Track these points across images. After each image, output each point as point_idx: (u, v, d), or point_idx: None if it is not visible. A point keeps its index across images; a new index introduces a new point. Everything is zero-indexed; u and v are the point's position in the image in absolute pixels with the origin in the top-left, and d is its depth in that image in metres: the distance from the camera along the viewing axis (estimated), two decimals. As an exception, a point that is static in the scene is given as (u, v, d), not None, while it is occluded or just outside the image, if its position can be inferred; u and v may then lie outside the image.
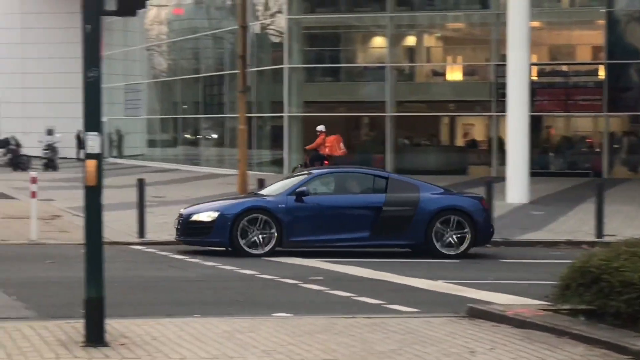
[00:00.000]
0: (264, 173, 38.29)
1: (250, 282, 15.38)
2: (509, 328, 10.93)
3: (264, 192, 19.80)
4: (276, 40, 45.48)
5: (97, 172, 9.89)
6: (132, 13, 10.12)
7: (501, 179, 30.57)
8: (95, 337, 9.82)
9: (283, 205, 18.55)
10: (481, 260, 18.63)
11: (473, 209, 18.96)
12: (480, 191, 21.87)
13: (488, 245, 19.73)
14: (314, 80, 45.53)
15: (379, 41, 45.79)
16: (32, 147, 55.95)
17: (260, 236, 18.31)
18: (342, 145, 34.08)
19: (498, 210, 22.87)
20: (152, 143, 57.56)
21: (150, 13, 53.12)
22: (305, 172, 20.94)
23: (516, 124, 29.91)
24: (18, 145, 50.44)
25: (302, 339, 10.33)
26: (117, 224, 21.99)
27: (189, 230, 18.86)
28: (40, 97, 65.76)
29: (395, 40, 44.43)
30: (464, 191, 22.23)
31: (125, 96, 58.33)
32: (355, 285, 14.86)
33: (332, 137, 33.42)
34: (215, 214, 18.53)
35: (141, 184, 21.12)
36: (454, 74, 46.36)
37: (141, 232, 20.71)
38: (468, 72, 45.78)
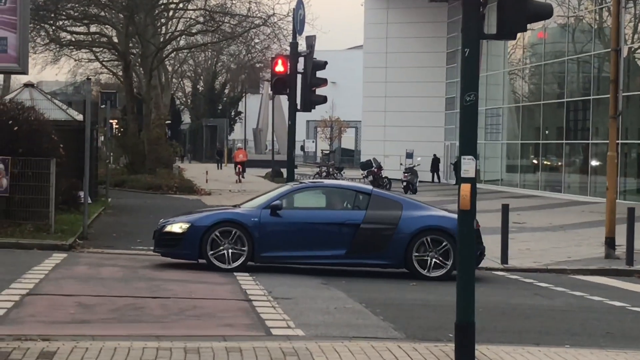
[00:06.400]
0: (629, 202, 36.99)
1: (621, 314, 14.76)
2: None
3: (244, 204, 18.88)
4: (645, 64, 43.93)
5: (472, 196, 9.82)
6: (512, 37, 9.98)
7: None
8: (465, 362, 9.74)
9: (256, 219, 17.68)
10: None
11: (455, 230, 17.58)
12: None
13: None
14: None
15: None
16: (392, 169, 57.37)
17: (230, 250, 17.54)
18: None
19: None
20: (511, 168, 57.23)
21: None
22: (288, 185, 20.00)
23: None
24: (379, 167, 51.70)
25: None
26: (479, 249, 21.91)
27: (161, 241, 18.14)
28: (400, 121, 67.24)
29: None
30: (453, 212, 19.98)
31: (486, 120, 58.45)
32: None
33: None
34: (186, 225, 17.78)
35: (505, 210, 20.94)
36: None
37: (504, 258, 20.52)
38: None
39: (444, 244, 17.54)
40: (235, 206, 19.25)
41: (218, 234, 17.56)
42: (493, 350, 10.71)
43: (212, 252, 17.51)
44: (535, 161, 53.45)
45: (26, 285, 14.59)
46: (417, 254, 17.61)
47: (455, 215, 18.16)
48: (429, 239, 17.60)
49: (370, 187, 19.64)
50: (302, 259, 17.90)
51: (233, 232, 17.57)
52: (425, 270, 17.60)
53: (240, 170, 56.59)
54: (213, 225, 17.61)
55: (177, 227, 17.87)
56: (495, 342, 11.51)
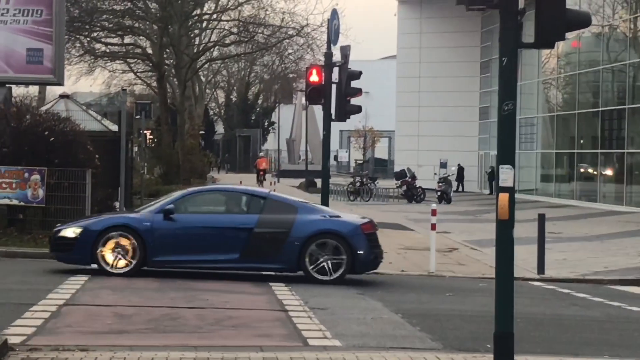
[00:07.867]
0: (666, 211, 36.69)
1: (660, 325, 14.63)
2: None
3: (142, 209, 18.74)
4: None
5: (510, 206, 9.74)
6: (550, 45, 9.92)
7: None
8: (504, 373, 9.66)
9: (148, 224, 17.51)
10: None
11: (349, 234, 17.44)
12: None
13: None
14: None
15: None
16: (426, 179, 57.22)
17: (122, 255, 17.37)
18: None
19: None
20: (545, 178, 56.91)
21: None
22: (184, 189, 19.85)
23: None
24: (413, 177, 51.60)
25: None
26: (515, 259, 21.74)
27: (56, 245, 17.98)
28: (434, 130, 67.11)
29: None
30: (350, 215, 19.67)
31: (520, 130, 58.18)
32: None
33: None
34: (79, 230, 17.59)
35: (541, 220, 20.81)
36: None
37: (540, 268, 20.39)
38: None
39: (336, 247, 17.43)
40: (132, 211, 19.23)
41: (108, 240, 17.42)
42: (532, 362, 10.63)
43: (103, 258, 17.41)
44: (569, 170, 53.13)
45: (63, 295, 14.66)
46: (310, 258, 17.48)
47: (350, 218, 18.39)
48: (322, 243, 17.51)
49: (266, 190, 19.59)
50: (195, 263, 17.76)
51: (125, 237, 17.47)
52: (320, 275, 17.46)
53: (262, 177, 62.30)
54: (105, 230, 17.51)
55: (70, 231, 17.77)
56: (533, 352, 11.42)
